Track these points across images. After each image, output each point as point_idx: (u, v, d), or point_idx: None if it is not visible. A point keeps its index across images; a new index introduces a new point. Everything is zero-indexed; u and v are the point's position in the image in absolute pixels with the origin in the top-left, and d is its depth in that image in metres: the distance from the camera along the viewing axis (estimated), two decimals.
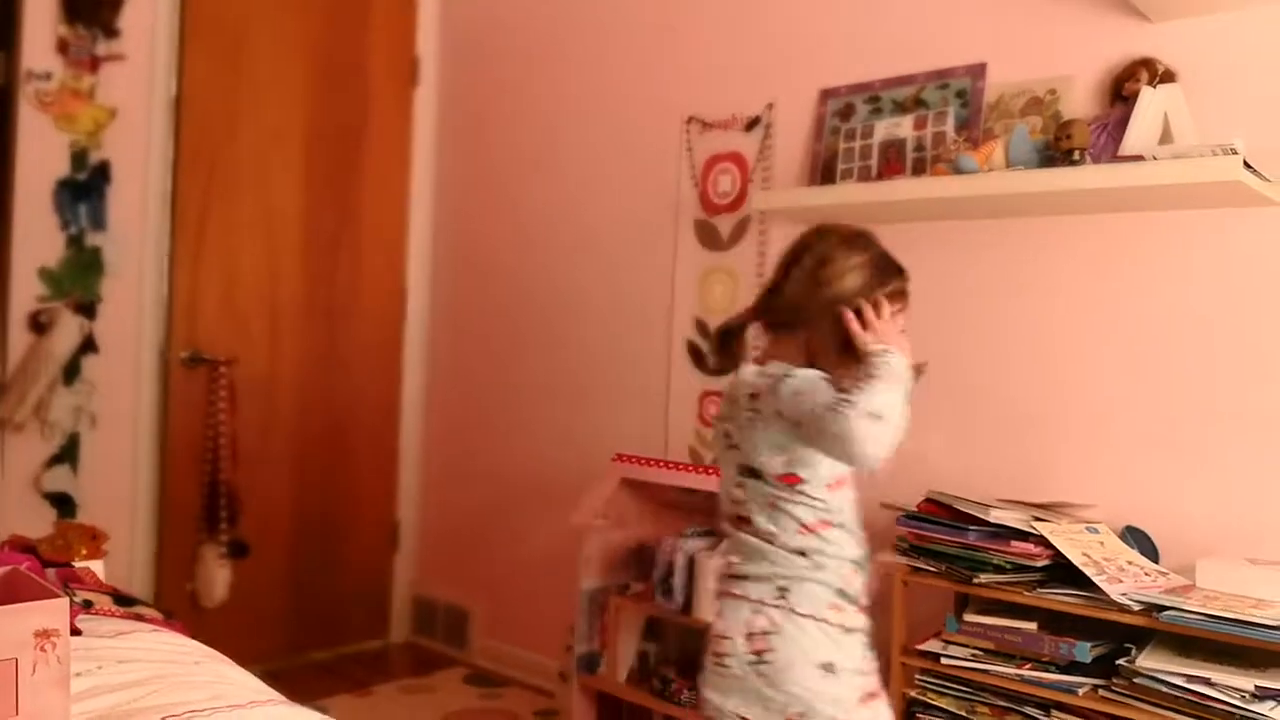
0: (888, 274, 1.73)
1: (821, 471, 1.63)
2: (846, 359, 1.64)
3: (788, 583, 1.63)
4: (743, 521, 1.68)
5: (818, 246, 1.74)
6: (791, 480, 1.63)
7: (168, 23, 3.21)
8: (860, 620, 1.68)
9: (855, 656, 1.66)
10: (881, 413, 1.50)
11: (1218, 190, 2.03)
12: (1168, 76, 2.20)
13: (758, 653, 1.62)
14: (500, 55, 3.75)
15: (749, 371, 1.73)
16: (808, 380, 1.60)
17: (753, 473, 1.66)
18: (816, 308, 1.68)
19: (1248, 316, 2.15)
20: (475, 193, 3.81)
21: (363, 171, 3.76)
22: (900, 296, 1.74)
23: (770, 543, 1.64)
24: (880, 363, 1.57)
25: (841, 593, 1.65)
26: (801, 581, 1.62)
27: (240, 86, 3.41)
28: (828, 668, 1.61)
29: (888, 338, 1.64)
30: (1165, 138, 2.14)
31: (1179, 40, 2.23)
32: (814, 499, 1.63)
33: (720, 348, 1.80)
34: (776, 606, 1.62)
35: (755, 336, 1.82)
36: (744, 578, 1.66)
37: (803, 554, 1.63)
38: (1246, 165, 1.94)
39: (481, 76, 3.82)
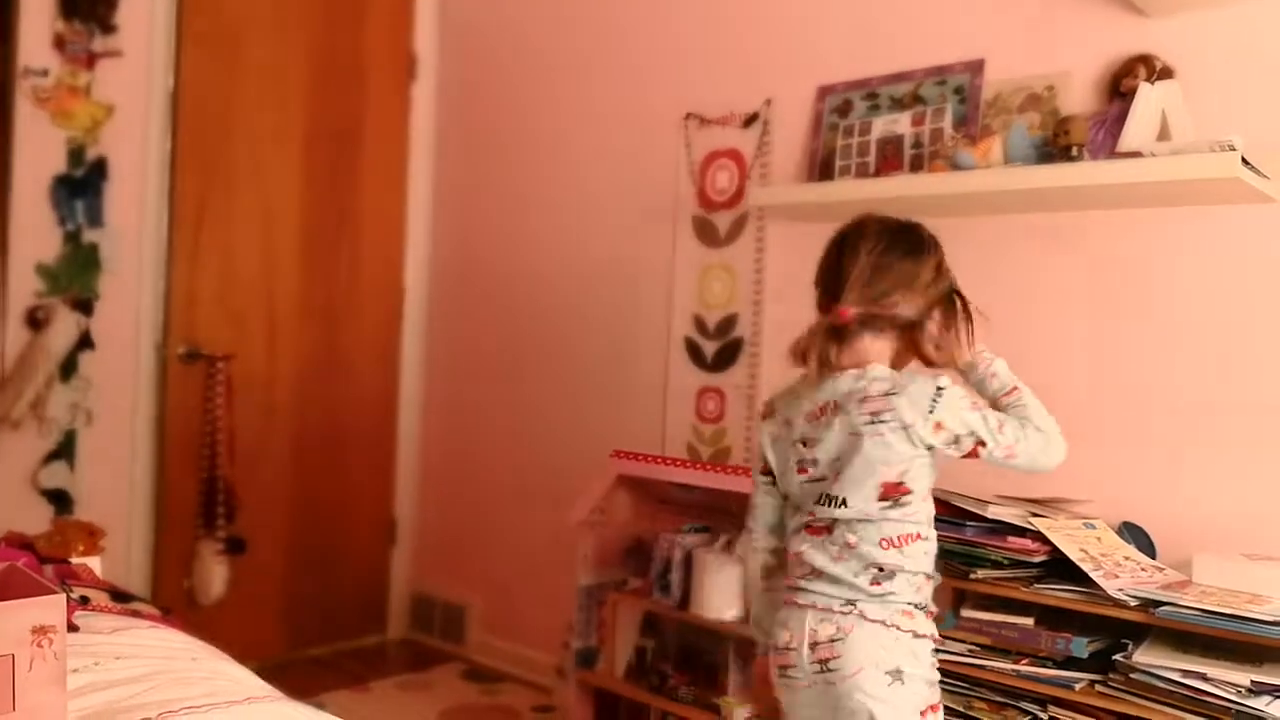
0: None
1: (926, 483, 1.65)
2: (940, 356, 1.70)
3: (857, 594, 1.62)
4: (818, 532, 1.66)
5: (916, 235, 1.73)
6: (901, 492, 1.62)
7: (165, 18, 3.21)
8: (931, 627, 1.67)
9: (924, 664, 1.64)
10: (1053, 427, 1.70)
11: (1216, 187, 2.03)
12: (1166, 73, 2.20)
13: (822, 661, 1.61)
14: (498, 51, 3.75)
15: (849, 380, 1.65)
16: (964, 397, 1.63)
17: (833, 500, 1.64)
18: (931, 303, 1.69)
19: (1245, 312, 2.15)
20: (473, 189, 3.81)
21: (361, 167, 3.75)
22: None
23: (846, 558, 1.62)
24: (1011, 379, 1.72)
25: (912, 602, 1.64)
26: (871, 597, 1.61)
27: (237, 83, 3.40)
28: (896, 674, 1.60)
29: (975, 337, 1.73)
30: (1163, 134, 2.14)
31: (1177, 36, 2.23)
32: (911, 512, 1.63)
33: (821, 354, 1.65)
34: (844, 613, 1.61)
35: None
36: (811, 589, 1.65)
37: (880, 568, 1.62)
38: (1244, 162, 1.94)
39: (479, 73, 3.81)
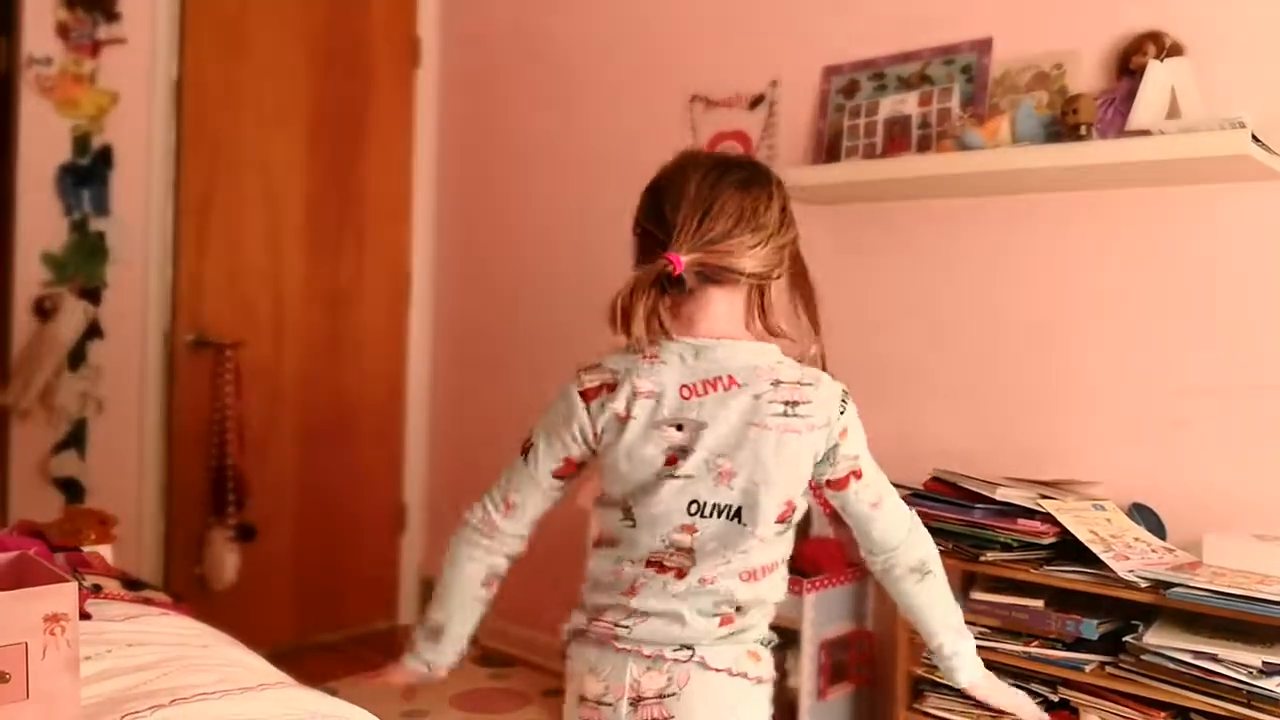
0: None
1: (804, 502, 1.35)
2: (791, 332, 1.36)
3: (698, 637, 1.29)
4: (664, 570, 1.30)
5: (756, 168, 1.35)
6: (787, 515, 1.33)
7: (168, 5, 3.20)
8: (770, 666, 1.37)
9: (762, 714, 1.36)
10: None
11: (1226, 165, 2.01)
12: (1175, 50, 2.18)
13: None
14: (502, 35, 3.73)
15: (748, 350, 1.29)
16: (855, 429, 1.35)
17: (720, 510, 1.28)
18: (779, 258, 1.33)
19: (1256, 291, 2.13)
20: (478, 174, 3.80)
21: (365, 153, 3.74)
22: None
23: (695, 593, 1.29)
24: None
25: (761, 639, 1.36)
26: (717, 640, 1.30)
27: (241, 69, 3.39)
28: None
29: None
30: (1173, 112, 2.12)
31: (1186, 13, 2.21)
32: (789, 537, 1.35)
33: (649, 315, 1.27)
34: (678, 661, 1.29)
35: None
36: (635, 628, 1.31)
37: (736, 608, 1.31)
38: (1255, 139, 1.93)
39: (483, 57, 3.80)
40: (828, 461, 1.33)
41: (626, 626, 1.31)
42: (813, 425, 1.29)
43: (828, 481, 1.36)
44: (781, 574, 1.37)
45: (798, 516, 1.35)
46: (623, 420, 1.30)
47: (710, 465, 1.27)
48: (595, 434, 1.34)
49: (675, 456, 1.28)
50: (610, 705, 1.30)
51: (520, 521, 1.44)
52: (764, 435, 1.26)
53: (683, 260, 1.24)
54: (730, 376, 1.27)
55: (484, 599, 1.48)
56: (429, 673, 1.49)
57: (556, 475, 1.40)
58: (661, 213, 1.28)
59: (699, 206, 1.26)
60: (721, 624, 1.30)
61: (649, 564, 1.31)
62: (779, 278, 1.34)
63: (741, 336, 1.31)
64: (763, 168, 1.36)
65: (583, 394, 1.34)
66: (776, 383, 1.28)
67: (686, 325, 1.31)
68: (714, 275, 1.27)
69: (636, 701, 1.29)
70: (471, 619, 1.48)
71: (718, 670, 1.29)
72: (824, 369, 1.37)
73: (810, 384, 1.30)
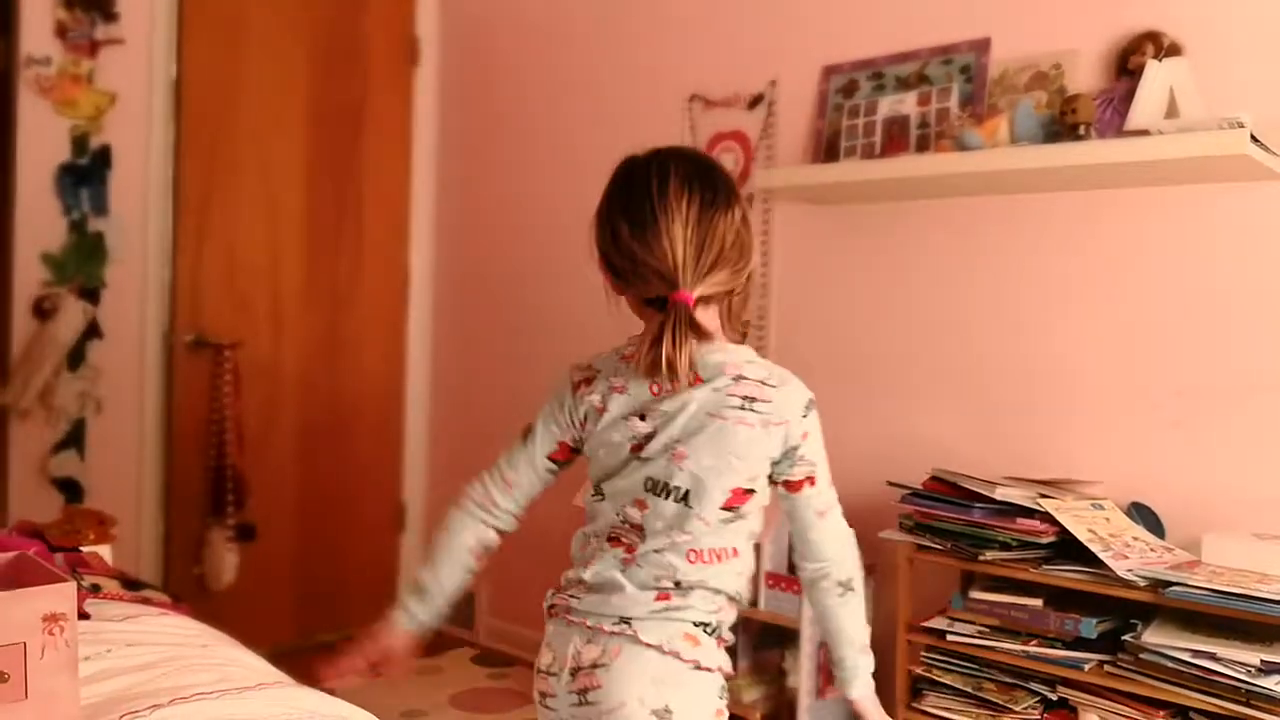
0: None
1: (765, 496, 1.40)
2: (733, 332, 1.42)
3: (635, 610, 1.35)
4: (618, 543, 1.38)
5: (726, 184, 1.40)
6: (746, 500, 1.37)
7: (166, 5, 3.19)
8: (722, 659, 1.39)
9: (705, 707, 1.36)
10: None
11: (1224, 164, 2.01)
12: (1174, 50, 2.18)
13: (581, 691, 1.35)
14: (500, 34, 3.73)
15: (715, 349, 1.36)
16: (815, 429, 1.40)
17: (670, 490, 1.35)
18: (746, 266, 1.39)
19: (1254, 291, 2.13)
20: (477, 173, 3.80)
21: (364, 152, 3.74)
22: None
23: (639, 565, 1.36)
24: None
25: (701, 623, 1.37)
26: (652, 614, 1.35)
27: (240, 69, 3.39)
28: (663, 715, 1.32)
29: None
30: (1171, 112, 2.12)
31: (1185, 13, 2.21)
32: (741, 526, 1.38)
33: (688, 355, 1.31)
34: (612, 634, 1.35)
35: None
36: (584, 601, 1.38)
37: (676, 583, 1.36)
38: (1253, 139, 1.93)
39: (482, 56, 3.79)
40: (787, 461, 1.39)
41: (578, 599, 1.40)
42: (768, 422, 1.35)
43: (785, 482, 1.41)
44: (736, 568, 1.39)
45: (750, 508, 1.38)
46: (599, 411, 1.40)
47: (667, 448, 1.35)
48: (581, 421, 1.44)
49: (640, 444, 1.37)
50: (555, 675, 1.39)
51: (515, 499, 1.50)
52: (719, 425, 1.34)
53: (693, 297, 1.32)
54: (696, 374, 1.34)
55: (471, 568, 1.52)
56: (412, 629, 1.55)
57: (551, 459, 1.48)
58: (656, 245, 1.33)
59: (695, 242, 1.33)
60: (658, 599, 1.35)
61: (608, 538, 1.40)
62: (748, 282, 1.43)
63: (717, 339, 1.38)
64: (725, 177, 1.42)
65: (573, 386, 1.45)
66: (739, 378, 1.35)
67: None
68: (705, 299, 1.36)
69: (576, 671, 1.36)
70: (457, 584, 1.53)
71: (648, 645, 1.34)
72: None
73: (775, 385, 1.37)
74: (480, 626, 3.71)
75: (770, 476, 1.40)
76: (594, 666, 1.35)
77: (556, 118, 3.51)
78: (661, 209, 1.34)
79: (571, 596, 1.41)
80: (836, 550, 1.44)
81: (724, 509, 1.36)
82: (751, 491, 1.37)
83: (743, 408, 1.34)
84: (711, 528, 1.36)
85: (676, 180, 1.37)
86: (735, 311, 1.42)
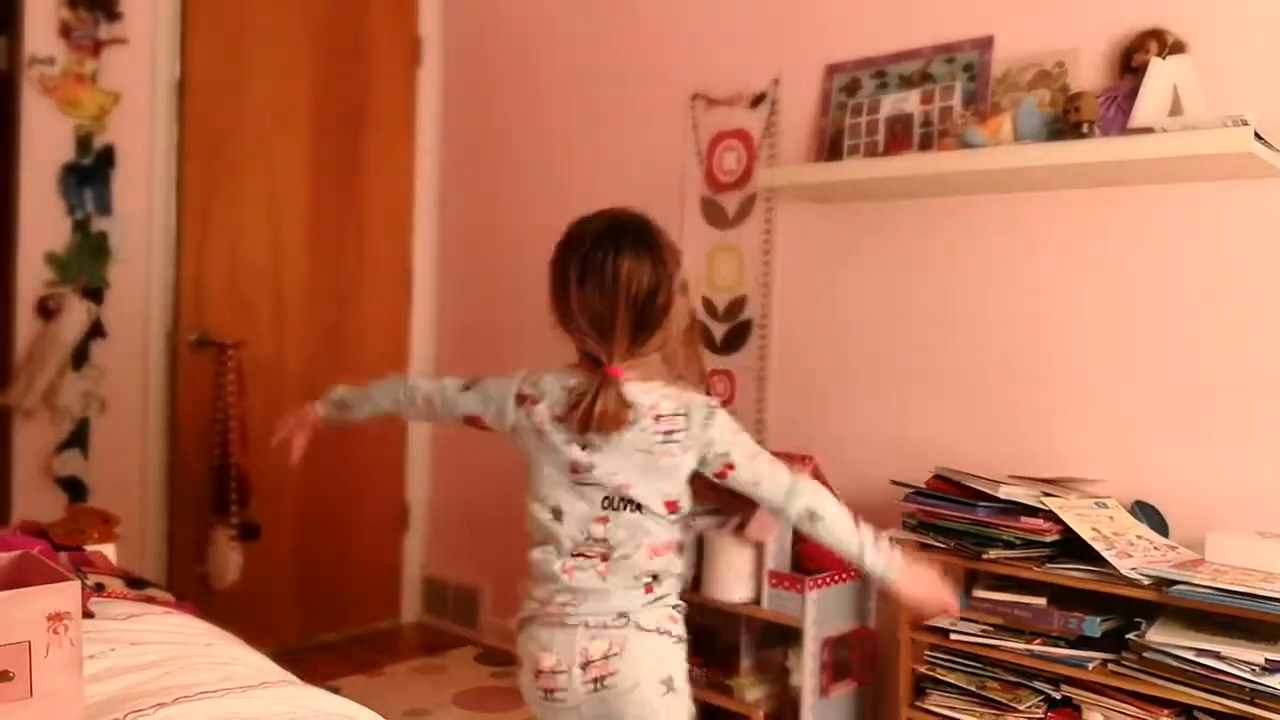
0: None
1: (687, 498, 1.67)
2: (686, 371, 1.72)
3: (630, 605, 1.60)
4: (589, 557, 1.61)
5: (652, 230, 1.65)
6: (674, 507, 1.64)
7: (169, 5, 3.20)
8: (683, 629, 1.69)
9: (683, 666, 1.67)
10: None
11: (1228, 162, 2.01)
12: (1177, 48, 2.18)
13: (597, 679, 1.58)
14: (503, 34, 3.73)
15: (638, 390, 1.60)
16: (729, 418, 1.65)
17: (627, 503, 1.60)
18: (680, 312, 1.66)
19: (1258, 289, 2.13)
20: (480, 173, 3.80)
21: (367, 152, 3.75)
22: None
23: (620, 571, 1.60)
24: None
25: (675, 605, 1.67)
26: (644, 606, 1.62)
27: (243, 69, 3.39)
28: (669, 684, 1.61)
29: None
30: (1175, 109, 2.12)
31: (1188, 11, 2.21)
32: (676, 522, 1.65)
33: (615, 411, 1.58)
34: (618, 627, 1.59)
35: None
36: (579, 608, 1.60)
37: (653, 577, 1.63)
38: (1257, 137, 1.93)
39: (485, 55, 3.80)
40: (704, 465, 1.64)
41: (573, 606, 1.61)
42: (686, 448, 1.62)
43: (713, 475, 1.65)
44: (679, 552, 1.69)
45: (683, 507, 1.66)
46: (539, 433, 1.65)
47: (611, 476, 1.61)
48: (509, 427, 1.70)
49: (580, 470, 1.62)
50: (564, 672, 1.60)
51: (422, 408, 1.85)
52: (648, 458, 1.61)
53: (622, 369, 1.60)
54: (626, 419, 1.59)
55: (374, 416, 1.93)
56: (322, 417, 1.97)
57: (466, 419, 1.79)
58: (601, 309, 1.60)
59: (632, 323, 1.60)
60: (646, 591, 1.62)
61: (573, 554, 1.62)
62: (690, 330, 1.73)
63: (634, 380, 1.62)
64: (668, 245, 1.65)
65: (518, 397, 1.69)
66: (658, 418, 1.60)
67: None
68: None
69: (586, 665, 1.59)
70: (359, 416, 1.94)
71: (649, 630, 1.61)
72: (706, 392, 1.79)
73: (684, 414, 1.61)
74: (483, 626, 3.71)
75: (698, 476, 1.66)
76: (605, 658, 1.58)
77: (559, 117, 3.51)
78: (613, 281, 1.59)
79: (563, 605, 1.61)
80: (781, 497, 1.65)
81: (669, 512, 1.64)
82: (680, 499, 1.65)
83: (665, 442, 1.60)
84: (662, 526, 1.63)
85: (629, 255, 1.60)
86: (668, 358, 1.68)
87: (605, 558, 1.61)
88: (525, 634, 1.66)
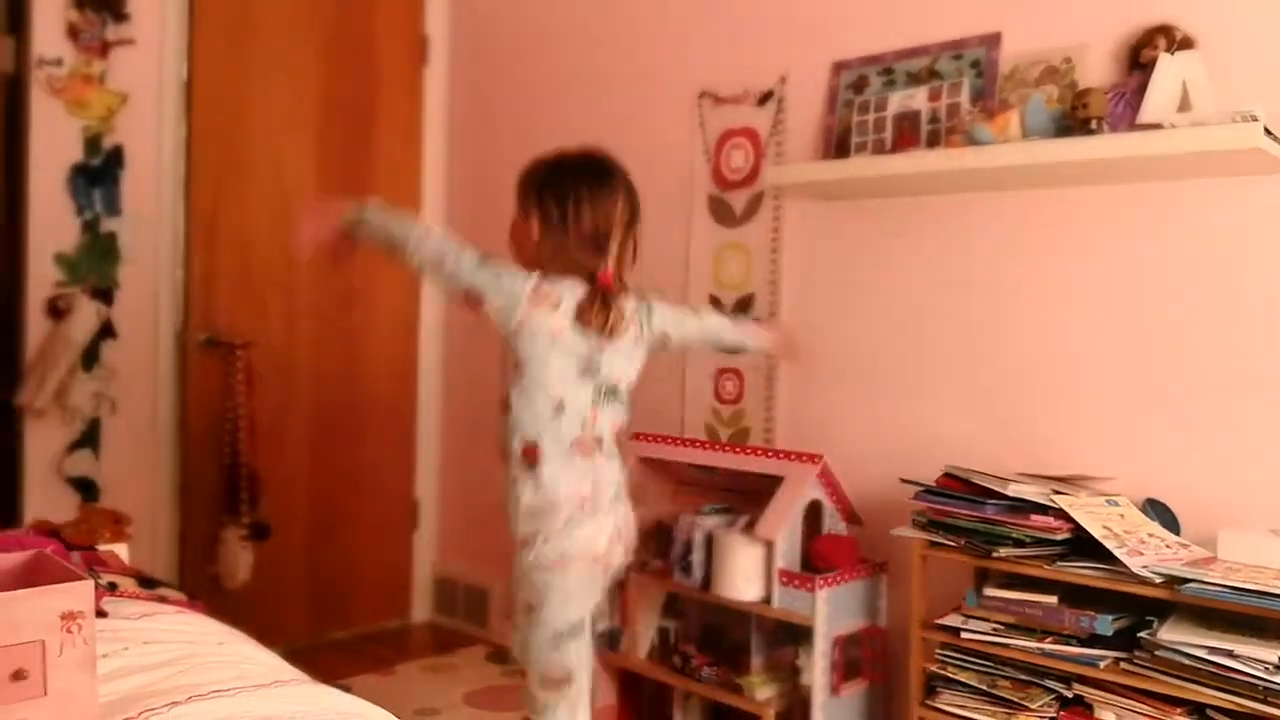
0: None
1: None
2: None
3: (616, 478, 1.98)
4: (596, 443, 1.93)
5: (618, 164, 2.07)
6: (630, 390, 2.02)
7: (176, 6, 3.21)
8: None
9: None
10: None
11: (1237, 158, 2.00)
12: (1186, 43, 2.17)
13: (625, 544, 1.99)
14: (509, 33, 3.74)
15: (627, 302, 1.99)
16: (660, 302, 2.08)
17: (612, 392, 1.95)
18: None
19: (1269, 285, 2.12)
20: (487, 171, 3.81)
21: (374, 151, 3.75)
22: None
23: (608, 455, 1.96)
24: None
25: (623, 468, 2.03)
26: (619, 477, 2.00)
27: (250, 69, 3.40)
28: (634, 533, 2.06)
29: None
30: (1184, 105, 2.11)
31: (1197, 6, 2.20)
32: (628, 401, 2.02)
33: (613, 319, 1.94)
34: (618, 501, 1.98)
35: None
36: (595, 499, 1.93)
37: (617, 453, 1.99)
38: (1267, 132, 1.92)
39: (491, 54, 3.80)
40: (660, 347, 2.08)
41: (597, 494, 1.95)
42: (645, 342, 2.04)
43: (661, 349, 2.10)
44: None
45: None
46: (555, 333, 1.91)
47: (609, 371, 1.95)
48: (513, 322, 1.93)
49: (592, 365, 1.93)
50: (615, 544, 1.98)
51: (430, 257, 1.98)
52: (628, 355, 2.01)
53: (613, 280, 1.95)
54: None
55: (385, 242, 2.02)
56: (342, 228, 2.01)
57: (465, 295, 1.97)
58: (596, 230, 1.96)
59: (618, 235, 1.95)
60: (619, 467, 2.02)
61: (572, 445, 1.93)
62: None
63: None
64: (626, 173, 2.06)
65: (533, 293, 1.91)
66: (632, 323, 1.99)
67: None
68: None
69: (618, 533, 1.98)
70: (372, 236, 2.02)
71: (624, 499, 2.03)
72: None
73: (640, 316, 2.02)
74: (493, 625, 3.72)
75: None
76: (618, 527, 1.97)
77: (566, 116, 3.51)
78: (609, 204, 1.96)
79: (585, 498, 1.92)
80: (730, 341, 2.28)
81: (626, 395, 2.02)
82: (634, 381, 2.04)
83: (635, 341, 2.00)
84: (624, 407, 2.01)
85: (621, 184, 2.02)
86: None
87: (599, 442, 1.94)
88: (563, 537, 1.91)
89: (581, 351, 1.90)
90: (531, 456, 1.94)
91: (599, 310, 1.89)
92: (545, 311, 1.90)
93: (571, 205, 1.95)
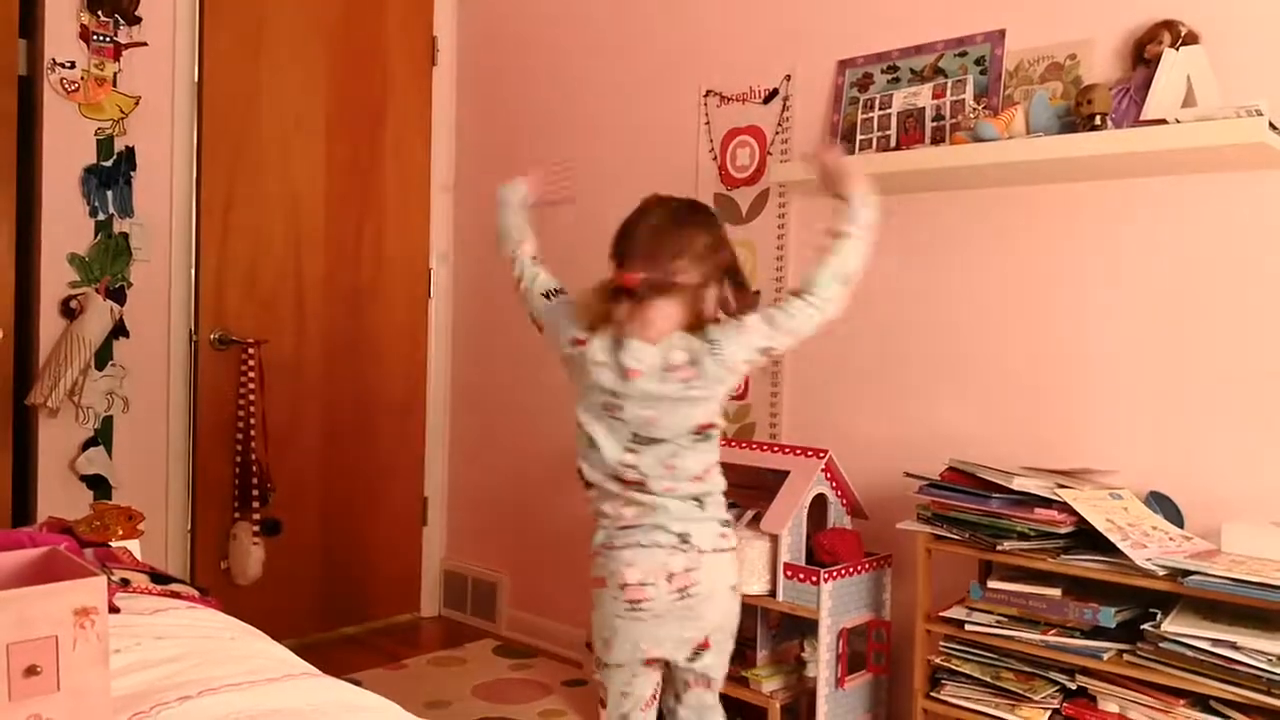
0: None
1: (720, 418, 1.90)
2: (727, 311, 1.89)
3: (685, 526, 1.83)
4: (634, 484, 1.84)
5: (696, 209, 1.98)
6: (708, 428, 1.86)
7: (188, 8, 3.23)
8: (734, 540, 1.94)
9: (737, 571, 1.94)
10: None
11: (1242, 153, 2.01)
12: (1190, 38, 2.17)
13: (682, 590, 1.82)
14: (517, 34, 3.75)
15: (650, 350, 1.83)
16: (737, 328, 1.84)
17: (650, 440, 1.83)
18: (712, 270, 1.86)
19: (1273, 278, 2.13)
20: (494, 171, 3.82)
21: (384, 152, 3.77)
22: None
23: (667, 496, 1.83)
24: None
25: (725, 522, 1.90)
26: (698, 523, 1.84)
27: (261, 70, 3.42)
28: (734, 587, 1.90)
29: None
30: (1188, 101, 2.11)
31: (1201, 1, 2.20)
32: (709, 441, 1.86)
33: (609, 305, 1.86)
34: (684, 550, 1.82)
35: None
36: (644, 528, 1.83)
37: (696, 500, 1.85)
38: (1271, 127, 1.92)
39: (499, 56, 3.81)
40: (755, 366, 1.94)
41: (638, 528, 1.85)
42: (708, 387, 1.83)
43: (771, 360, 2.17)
44: (717, 471, 1.91)
45: (718, 430, 1.89)
46: (587, 371, 1.88)
47: (636, 413, 1.84)
48: (561, 355, 1.97)
49: (613, 406, 1.86)
50: (652, 584, 1.82)
51: (515, 272, 2.22)
52: (672, 401, 1.83)
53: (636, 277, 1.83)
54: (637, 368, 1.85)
55: (506, 233, 2.31)
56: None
57: (531, 317, 2.11)
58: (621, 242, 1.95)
59: (648, 238, 1.90)
60: (698, 513, 1.86)
61: (613, 478, 1.86)
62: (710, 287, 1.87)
63: (659, 337, 1.85)
64: (703, 209, 2.01)
65: (574, 339, 1.93)
66: (670, 368, 1.82)
67: (639, 327, 1.85)
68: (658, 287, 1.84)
69: (670, 577, 1.82)
70: (504, 222, 2.31)
71: (708, 551, 1.85)
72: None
73: (695, 363, 1.82)
74: (502, 618, 3.74)
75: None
76: (686, 570, 1.82)
77: (573, 116, 3.52)
78: (633, 220, 1.97)
79: (625, 528, 1.85)
80: (828, 293, 1.96)
81: (697, 436, 1.85)
82: (712, 420, 1.87)
83: (686, 388, 1.83)
84: (696, 451, 1.85)
85: (653, 203, 2.02)
86: (704, 307, 1.85)
87: (642, 485, 1.83)
88: (605, 557, 1.87)
89: (604, 389, 1.86)
90: (582, 476, 1.95)
91: (609, 304, 1.86)
92: (580, 349, 1.90)
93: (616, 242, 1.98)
